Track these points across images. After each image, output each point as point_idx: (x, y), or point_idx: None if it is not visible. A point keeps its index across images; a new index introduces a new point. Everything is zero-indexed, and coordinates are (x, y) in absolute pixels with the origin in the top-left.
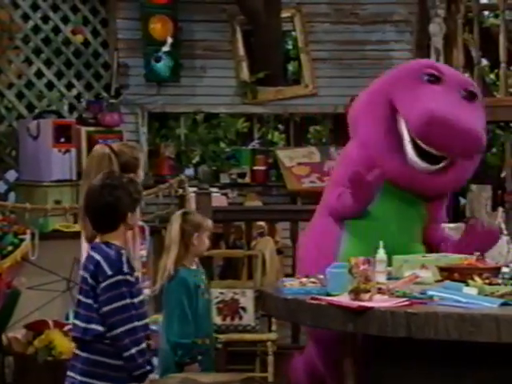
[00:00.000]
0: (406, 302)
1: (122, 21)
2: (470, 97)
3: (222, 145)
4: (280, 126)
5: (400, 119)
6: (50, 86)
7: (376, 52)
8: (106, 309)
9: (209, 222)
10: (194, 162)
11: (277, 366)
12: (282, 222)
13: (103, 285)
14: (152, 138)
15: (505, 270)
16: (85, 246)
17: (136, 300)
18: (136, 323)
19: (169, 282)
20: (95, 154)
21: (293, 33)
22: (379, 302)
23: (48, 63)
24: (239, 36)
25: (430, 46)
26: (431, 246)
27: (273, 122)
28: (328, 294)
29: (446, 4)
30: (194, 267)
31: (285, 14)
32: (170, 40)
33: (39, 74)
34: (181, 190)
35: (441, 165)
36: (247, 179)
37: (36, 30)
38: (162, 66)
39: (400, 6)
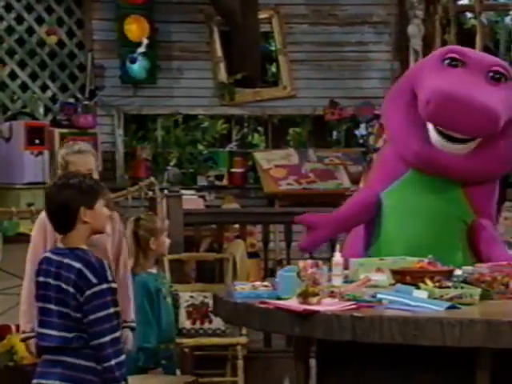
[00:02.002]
0: (354, 306)
1: (97, 21)
2: (497, 78)
3: (201, 147)
4: (260, 128)
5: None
6: (24, 87)
7: (355, 53)
8: (91, 317)
9: (165, 223)
10: (171, 164)
11: (248, 370)
12: (253, 224)
13: (88, 293)
14: (129, 140)
15: (458, 272)
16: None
17: (117, 309)
18: (118, 333)
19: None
20: None
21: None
22: (327, 305)
23: (22, 64)
24: (217, 37)
25: (409, 48)
26: (475, 248)
27: (253, 124)
28: (278, 298)
29: (424, 5)
30: (154, 271)
31: (263, 15)
32: (145, 41)
33: (13, 76)
34: (151, 193)
35: (467, 145)
36: (225, 181)
37: (10, 30)
38: (138, 67)
39: (379, 7)
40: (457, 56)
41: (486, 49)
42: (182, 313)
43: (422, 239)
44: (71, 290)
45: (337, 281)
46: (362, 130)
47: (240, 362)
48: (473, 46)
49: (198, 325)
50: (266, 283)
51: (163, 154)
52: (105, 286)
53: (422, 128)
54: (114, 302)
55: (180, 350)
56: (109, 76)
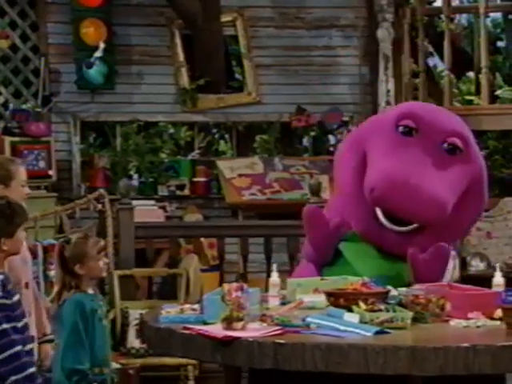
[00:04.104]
0: (279, 331)
1: (52, 25)
2: (451, 150)
3: (163, 155)
4: (227, 136)
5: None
6: None
7: (322, 58)
8: None
9: (99, 245)
10: (130, 173)
11: None
12: (205, 238)
13: None
14: (86, 149)
15: (394, 293)
16: None
17: (19, 324)
18: (18, 348)
19: (61, 306)
20: None
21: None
22: (251, 330)
23: None
24: (178, 41)
25: (378, 52)
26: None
27: (219, 131)
28: (205, 322)
29: (394, 8)
30: (91, 292)
31: (226, 18)
32: (102, 45)
33: None
34: (100, 206)
35: (408, 227)
36: (187, 191)
37: None
38: (95, 72)
39: (347, 10)
40: (411, 124)
41: (462, 52)
42: (131, 331)
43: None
44: None
45: (273, 302)
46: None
47: (191, 383)
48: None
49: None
50: (194, 306)
51: (122, 163)
52: None
53: (366, 204)
54: (9, 317)
55: (124, 372)
56: (64, 81)
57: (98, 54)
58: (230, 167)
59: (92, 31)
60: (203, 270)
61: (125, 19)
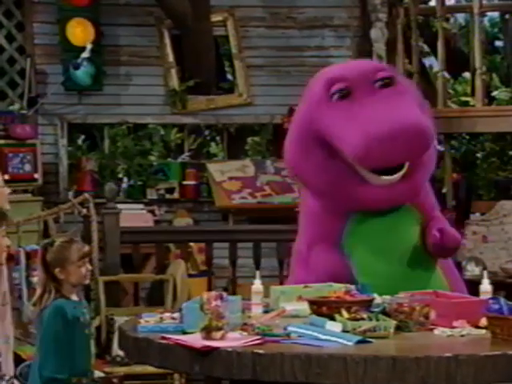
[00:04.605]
0: (258, 341)
1: (38, 25)
2: (386, 84)
3: (152, 158)
4: (218, 138)
5: (338, 149)
6: None
7: (315, 58)
8: None
9: (82, 250)
10: (119, 176)
11: None
12: (192, 243)
13: None
14: (73, 151)
15: (378, 301)
16: None
17: None
18: None
19: (42, 311)
20: None
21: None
22: (230, 340)
23: None
24: (168, 41)
25: (372, 53)
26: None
27: (210, 133)
28: (184, 332)
29: (387, 8)
30: (75, 298)
31: (216, 18)
32: (89, 46)
33: None
34: (85, 210)
35: (400, 173)
36: (176, 195)
37: None
38: (82, 73)
39: (340, 9)
40: (342, 86)
41: (458, 52)
42: (117, 339)
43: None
44: None
45: (256, 310)
46: None
47: None
48: (445, 49)
49: None
50: (174, 315)
51: (110, 166)
52: None
53: (343, 170)
54: None
55: (107, 381)
56: (51, 83)
57: (85, 54)
58: (221, 170)
59: (79, 31)
60: (192, 276)
61: (113, 19)
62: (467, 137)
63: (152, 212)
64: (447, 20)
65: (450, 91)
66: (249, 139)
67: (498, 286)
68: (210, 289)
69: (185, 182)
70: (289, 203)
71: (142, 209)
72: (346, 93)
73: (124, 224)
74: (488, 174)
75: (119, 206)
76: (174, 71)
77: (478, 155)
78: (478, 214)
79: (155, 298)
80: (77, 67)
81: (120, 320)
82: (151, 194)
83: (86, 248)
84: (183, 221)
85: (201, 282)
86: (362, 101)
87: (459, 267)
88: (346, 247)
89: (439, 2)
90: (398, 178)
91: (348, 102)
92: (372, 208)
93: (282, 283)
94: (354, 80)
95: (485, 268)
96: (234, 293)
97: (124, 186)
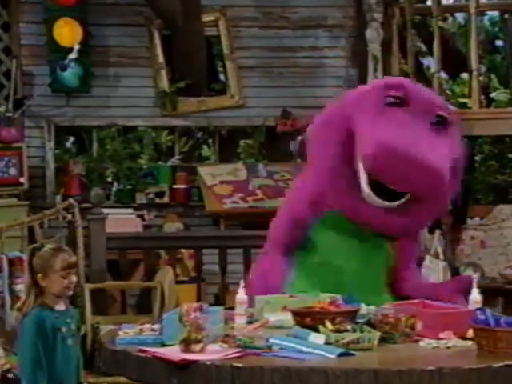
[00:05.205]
0: (238, 354)
1: (25, 25)
2: (439, 123)
3: (142, 161)
4: (210, 140)
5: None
6: None
7: (308, 59)
8: None
9: (67, 260)
10: (108, 180)
11: None
12: (180, 249)
13: None
14: (61, 154)
15: (363, 311)
16: None
17: None
18: None
19: (23, 317)
20: None
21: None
22: (210, 353)
23: None
24: (157, 41)
25: (367, 53)
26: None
27: (202, 136)
28: (163, 344)
29: (383, 8)
30: (60, 308)
31: (208, 18)
32: (77, 46)
33: None
34: (70, 216)
35: (398, 202)
36: (166, 199)
37: None
38: (70, 74)
39: (334, 9)
40: (401, 94)
41: (456, 52)
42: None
43: (354, 279)
44: None
45: (240, 320)
46: None
47: None
48: (442, 48)
49: None
50: (154, 327)
51: (98, 169)
52: None
53: (353, 180)
54: None
55: None
56: (38, 84)
57: (72, 55)
58: (212, 174)
59: (66, 31)
60: (183, 282)
61: (101, 19)
62: (464, 139)
63: (141, 217)
64: (445, 19)
65: (448, 92)
66: (241, 142)
67: (496, 292)
68: (199, 295)
69: (175, 186)
70: None
71: (131, 213)
72: (399, 102)
73: (112, 229)
74: (486, 177)
75: (107, 210)
76: (164, 72)
77: (477, 158)
78: (477, 219)
79: (144, 305)
80: (64, 68)
81: (106, 329)
82: (140, 199)
83: (73, 259)
84: (173, 226)
85: (191, 289)
86: (407, 119)
87: (456, 273)
88: (299, 256)
89: (435, 2)
90: (394, 206)
91: (395, 114)
92: (360, 223)
93: None
94: (416, 99)
95: (483, 274)
96: (224, 300)
97: (113, 189)
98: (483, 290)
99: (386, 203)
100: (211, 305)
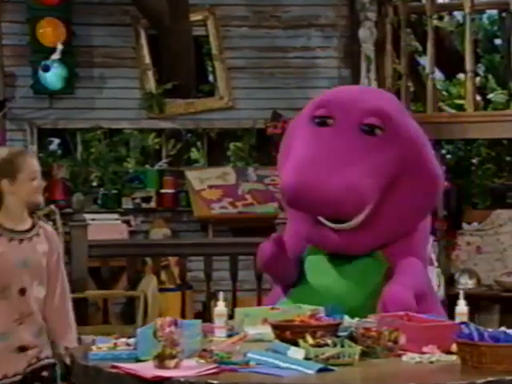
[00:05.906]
0: (214, 370)
1: (7, 24)
2: (370, 132)
3: (129, 165)
4: (199, 143)
5: None
6: None
7: (300, 60)
8: None
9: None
10: (92, 184)
11: None
12: (164, 257)
13: None
14: (44, 158)
15: (346, 324)
16: None
17: None
18: None
19: None
20: None
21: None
22: (184, 369)
23: None
24: (144, 41)
25: (360, 53)
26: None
27: (192, 138)
28: (137, 360)
29: (376, 7)
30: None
31: (196, 17)
32: (60, 47)
33: None
34: (51, 223)
35: (350, 223)
36: (153, 204)
37: None
38: (53, 75)
39: (327, 8)
40: (324, 113)
41: (452, 52)
42: None
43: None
44: None
45: (219, 334)
46: None
47: None
48: (438, 48)
49: None
50: (129, 341)
51: (83, 173)
52: None
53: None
54: None
55: None
56: (20, 85)
57: (55, 55)
58: (200, 178)
59: (50, 31)
60: (169, 290)
61: (85, 18)
62: (461, 142)
63: (127, 222)
64: (442, 18)
65: (444, 93)
66: (231, 145)
67: (492, 299)
68: (183, 303)
69: (162, 191)
70: (271, 213)
71: (117, 219)
72: (324, 121)
73: (97, 236)
74: (483, 180)
75: (92, 216)
76: (150, 73)
77: (473, 161)
78: (475, 224)
79: (129, 313)
80: (47, 69)
81: (87, 339)
82: (127, 203)
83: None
84: (160, 231)
85: (177, 296)
86: (330, 137)
87: (452, 279)
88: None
89: (429, 0)
90: (348, 228)
91: (319, 132)
92: (330, 251)
93: (259, 298)
94: (341, 113)
95: (479, 281)
96: (209, 307)
97: (98, 194)
98: (479, 298)
99: (338, 225)
100: (198, 313)
